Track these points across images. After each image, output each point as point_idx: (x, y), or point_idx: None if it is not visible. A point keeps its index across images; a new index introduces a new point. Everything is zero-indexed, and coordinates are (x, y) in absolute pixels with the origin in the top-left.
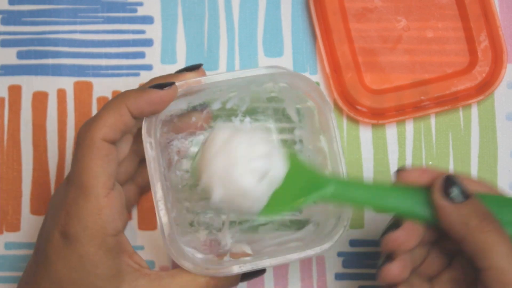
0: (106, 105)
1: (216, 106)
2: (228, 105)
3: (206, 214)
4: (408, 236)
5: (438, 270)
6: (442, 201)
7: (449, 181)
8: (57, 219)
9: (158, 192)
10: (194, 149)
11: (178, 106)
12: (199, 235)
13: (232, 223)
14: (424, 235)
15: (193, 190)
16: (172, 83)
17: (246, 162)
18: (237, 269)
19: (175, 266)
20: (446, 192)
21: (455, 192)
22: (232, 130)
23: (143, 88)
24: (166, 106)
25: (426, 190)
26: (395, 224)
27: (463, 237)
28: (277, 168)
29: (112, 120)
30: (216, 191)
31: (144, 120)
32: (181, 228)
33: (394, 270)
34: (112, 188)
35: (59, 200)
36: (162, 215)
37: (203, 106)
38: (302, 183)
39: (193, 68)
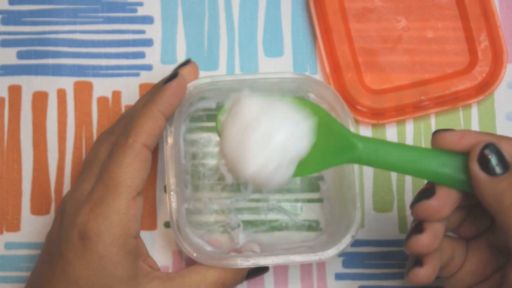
0: (139, 113)
1: None
2: None
3: (224, 212)
4: (442, 204)
5: (476, 233)
6: (477, 172)
7: (488, 150)
8: (76, 219)
9: (171, 178)
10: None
11: (207, 105)
12: (214, 231)
13: (247, 224)
14: (460, 201)
15: (215, 188)
16: (177, 72)
17: (269, 142)
18: (239, 262)
19: (174, 266)
20: (483, 162)
21: (493, 162)
22: (258, 103)
23: (159, 88)
24: (185, 92)
25: (464, 155)
26: (428, 190)
27: (496, 213)
28: (301, 144)
29: (150, 126)
30: (244, 168)
31: None
32: (197, 221)
33: (424, 241)
34: (139, 193)
35: (77, 202)
36: (172, 200)
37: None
38: (332, 141)
39: (185, 63)
